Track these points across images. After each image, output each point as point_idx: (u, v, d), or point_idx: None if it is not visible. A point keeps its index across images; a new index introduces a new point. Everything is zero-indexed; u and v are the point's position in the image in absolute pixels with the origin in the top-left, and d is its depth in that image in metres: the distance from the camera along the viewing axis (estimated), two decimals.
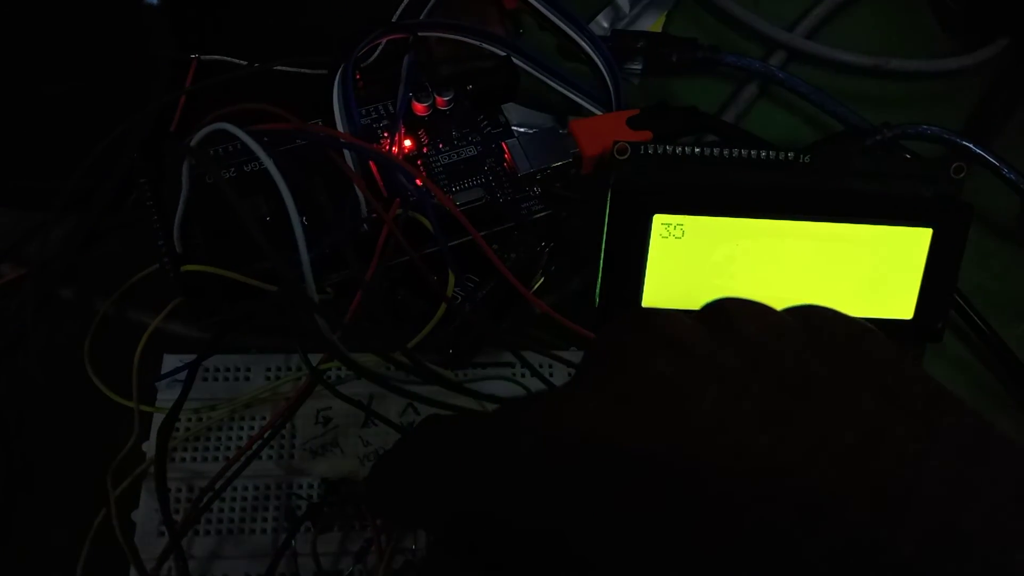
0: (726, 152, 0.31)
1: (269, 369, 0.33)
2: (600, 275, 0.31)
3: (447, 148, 0.34)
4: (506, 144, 0.33)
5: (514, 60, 0.36)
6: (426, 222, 0.30)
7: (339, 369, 0.32)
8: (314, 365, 0.28)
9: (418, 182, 0.30)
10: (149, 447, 0.31)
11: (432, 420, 0.20)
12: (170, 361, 0.33)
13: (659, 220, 0.30)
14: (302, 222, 0.31)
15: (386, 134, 0.34)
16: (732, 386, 0.16)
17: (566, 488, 0.16)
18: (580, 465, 0.16)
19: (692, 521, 0.15)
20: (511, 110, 0.37)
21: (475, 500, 0.17)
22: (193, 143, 0.28)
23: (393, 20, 0.36)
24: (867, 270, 0.31)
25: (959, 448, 0.15)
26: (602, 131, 0.33)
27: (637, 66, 0.40)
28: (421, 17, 0.37)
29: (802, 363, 0.16)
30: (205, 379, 0.32)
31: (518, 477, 0.16)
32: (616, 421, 0.16)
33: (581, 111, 0.37)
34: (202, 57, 0.37)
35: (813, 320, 0.18)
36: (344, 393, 0.28)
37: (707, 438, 0.15)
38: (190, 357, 0.32)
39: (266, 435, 0.29)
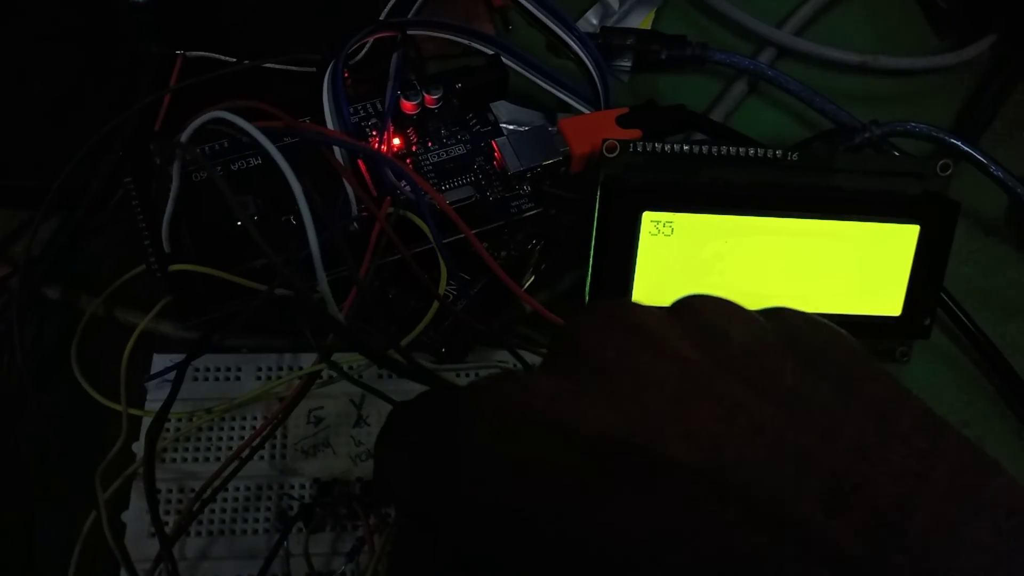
0: (715, 150, 0.31)
1: (260, 369, 0.33)
2: (590, 272, 0.31)
3: (436, 147, 0.34)
4: (496, 142, 0.33)
5: (503, 59, 0.36)
6: (417, 220, 0.30)
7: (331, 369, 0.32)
8: (307, 364, 0.28)
9: (416, 182, 0.30)
10: (139, 448, 0.31)
11: (423, 395, 0.20)
12: (160, 361, 0.32)
13: (648, 217, 0.30)
14: (291, 221, 0.32)
15: (374, 132, 0.34)
16: (694, 378, 0.16)
17: (517, 471, 0.16)
18: (530, 448, 0.16)
19: (642, 508, 0.15)
20: (500, 108, 0.37)
21: (432, 481, 0.17)
22: (185, 136, 0.28)
23: (381, 18, 0.36)
24: (855, 267, 0.32)
25: (913, 448, 0.15)
26: (591, 129, 0.33)
27: (626, 63, 0.40)
28: (410, 15, 0.37)
29: (766, 359, 0.17)
30: (195, 379, 0.32)
31: (470, 460, 0.16)
32: (571, 405, 0.16)
33: (570, 109, 0.36)
34: (188, 54, 0.37)
35: (781, 319, 0.18)
36: (352, 389, 0.28)
37: (663, 426, 0.15)
38: (180, 357, 0.32)
39: (258, 440, 0.29)
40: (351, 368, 0.32)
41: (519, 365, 0.31)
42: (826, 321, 0.18)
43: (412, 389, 0.27)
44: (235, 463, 0.28)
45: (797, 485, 0.15)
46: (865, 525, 0.14)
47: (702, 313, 0.18)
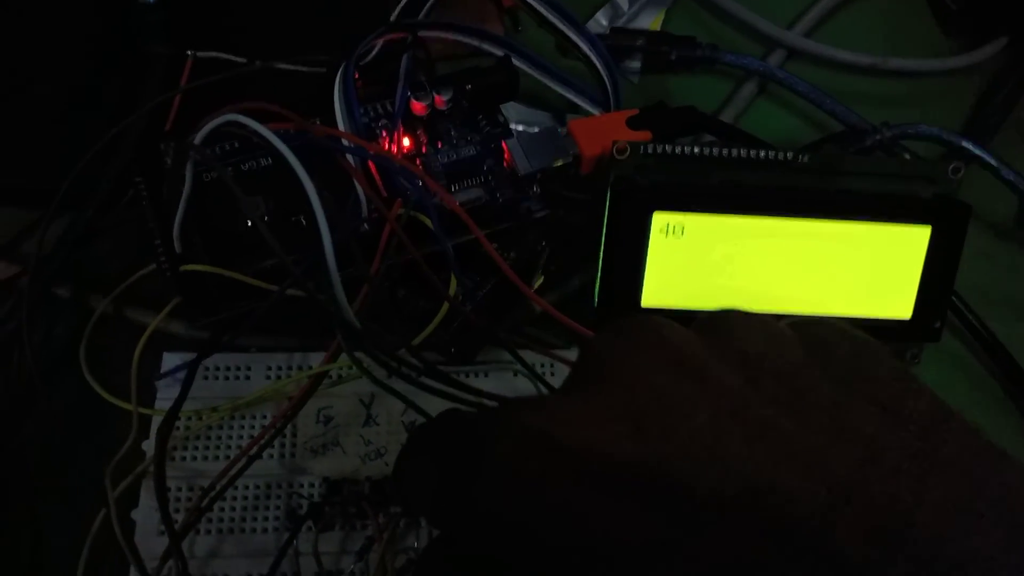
0: (725, 152, 0.31)
1: (270, 368, 0.33)
2: (599, 274, 0.31)
3: (446, 148, 0.34)
4: (505, 144, 0.33)
5: (513, 60, 0.36)
6: (428, 221, 0.30)
7: (341, 368, 0.32)
8: (316, 364, 0.28)
9: (424, 184, 0.30)
10: (149, 446, 0.31)
11: (448, 413, 0.20)
12: (170, 360, 0.33)
13: (659, 218, 0.30)
14: (301, 221, 0.32)
15: (385, 133, 0.34)
16: (726, 401, 0.16)
17: (529, 493, 0.16)
18: (543, 473, 0.16)
19: (675, 536, 0.15)
20: (510, 109, 0.37)
21: (453, 498, 0.17)
22: (199, 138, 0.28)
23: (392, 19, 0.36)
24: (865, 269, 0.32)
25: (958, 473, 0.15)
26: (601, 131, 0.33)
27: (636, 64, 0.40)
28: (420, 16, 0.37)
29: (799, 380, 0.16)
30: (205, 378, 0.32)
31: (488, 481, 0.16)
32: (604, 432, 0.16)
33: (580, 110, 0.36)
34: (198, 54, 0.37)
35: (815, 335, 0.18)
36: (350, 391, 0.28)
37: (697, 452, 0.15)
38: (190, 356, 0.32)
39: (267, 436, 0.29)
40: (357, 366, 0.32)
41: (522, 367, 0.31)
42: (864, 335, 0.18)
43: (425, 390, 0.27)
44: (244, 460, 0.28)
45: (836, 517, 0.14)
46: (911, 563, 0.14)
47: (734, 332, 0.17)
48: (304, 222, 0.31)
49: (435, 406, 0.27)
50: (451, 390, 0.26)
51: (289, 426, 0.32)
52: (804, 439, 0.15)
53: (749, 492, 0.15)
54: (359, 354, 0.27)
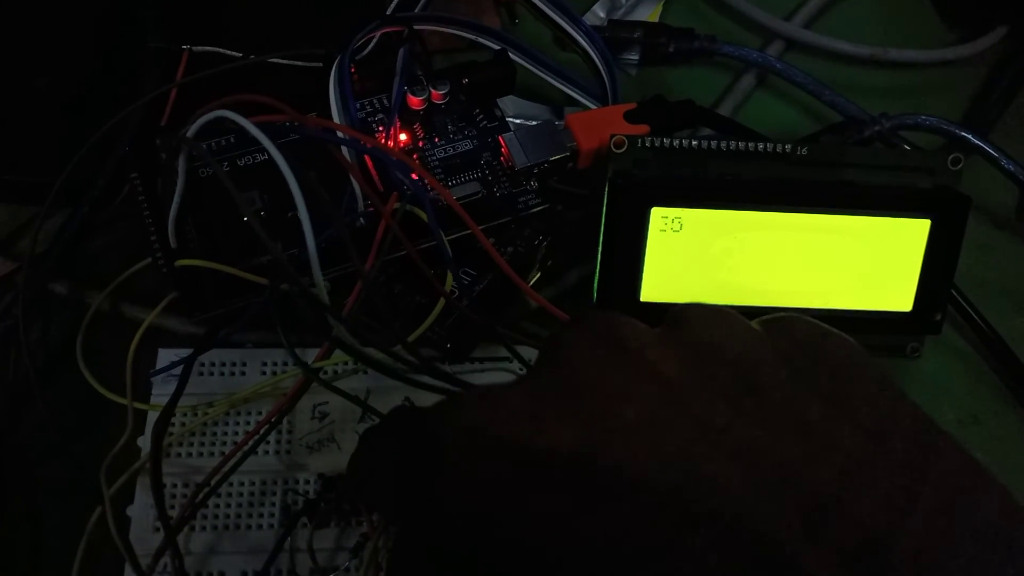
0: (724, 145, 0.31)
1: (265, 364, 0.33)
2: (598, 269, 0.31)
3: (443, 142, 0.34)
4: (502, 138, 0.33)
5: (510, 54, 0.36)
6: (424, 216, 0.30)
7: (336, 364, 0.32)
8: (311, 360, 0.28)
9: (414, 176, 0.30)
10: (144, 443, 0.31)
11: (398, 410, 0.20)
12: (165, 356, 0.32)
13: (657, 213, 0.30)
14: (297, 216, 0.31)
15: (381, 128, 0.33)
16: (667, 393, 0.16)
17: (482, 486, 0.16)
18: (492, 466, 0.16)
19: (602, 526, 0.15)
20: (507, 103, 0.36)
21: (413, 494, 0.17)
22: (190, 133, 0.28)
23: (387, 12, 0.36)
24: (865, 262, 0.31)
25: (902, 466, 0.15)
26: (599, 125, 0.33)
27: (633, 56, 0.40)
28: (416, 9, 0.36)
29: (757, 376, 0.16)
30: (201, 374, 0.32)
31: (445, 476, 0.16)
32: (536, 424, 0.16)
33: (577, 104, 0.36)
34: (194, 48, 0.36)
35: (783, 331, 0.17)
36: (341, 388, 0.28)
37: (633, 446, 0.15)
38: (186, 352, 0.32)
39: (262, 431, 0.29)
40: (345, 365, 0.32)
41: (518, 363, 0.31)
42: (835, 331, 0.17)
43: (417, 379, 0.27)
44: (239, 455, 0.28)
45: (775, 508, 0.14)
46: (839, 551, 0.14)
47: (694, 328, 0.17)
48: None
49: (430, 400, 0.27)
50: (447, 385, 0.26)
51: (284, 422, 0.32)
52: (747, 436, 0.15)
53: (697, 494, 0.14)
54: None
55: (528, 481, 0.15)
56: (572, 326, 0.18)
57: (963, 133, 0.37)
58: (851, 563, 0.14)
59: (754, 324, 0.18)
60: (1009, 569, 0.14)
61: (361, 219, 0.31)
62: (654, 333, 0.18)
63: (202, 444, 0.31)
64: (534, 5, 0.36)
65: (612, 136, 0.30)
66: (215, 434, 0.31)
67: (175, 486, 0.31)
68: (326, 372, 0.32)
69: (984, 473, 0.15)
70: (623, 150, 0.30)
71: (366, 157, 0.31)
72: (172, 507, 0.30)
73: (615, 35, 0.39)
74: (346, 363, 0.32)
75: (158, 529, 0.29)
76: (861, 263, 0.31)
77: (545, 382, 0.17)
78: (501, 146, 0.33)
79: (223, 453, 0.30)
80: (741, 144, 0.31)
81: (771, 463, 0.15)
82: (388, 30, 0.34)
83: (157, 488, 0.27)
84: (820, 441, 0.15)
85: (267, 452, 0.31)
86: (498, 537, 0.15)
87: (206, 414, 0.31)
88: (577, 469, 0.15)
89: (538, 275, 0.34)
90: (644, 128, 0.33)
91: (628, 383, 0.16)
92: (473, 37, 0.36)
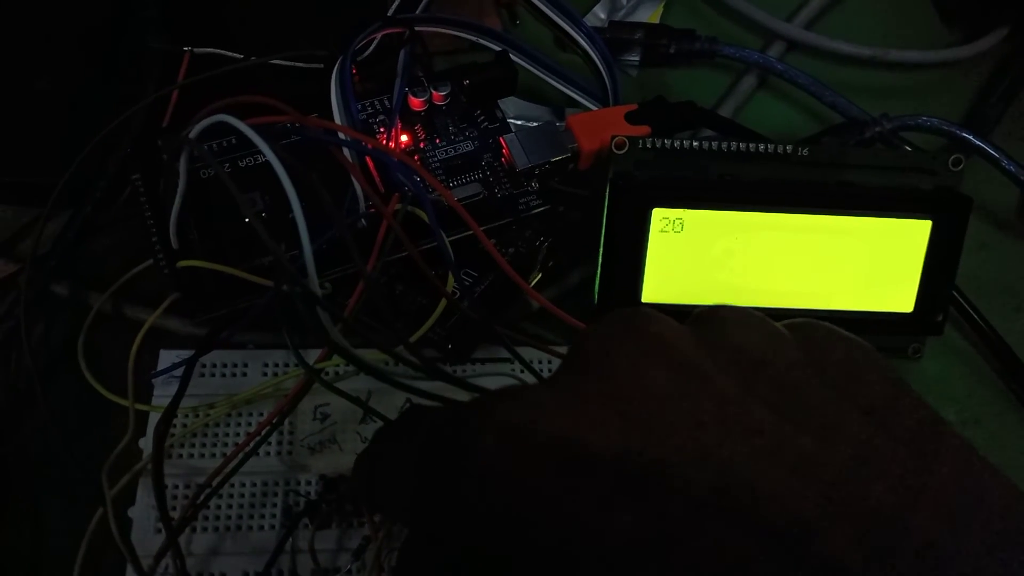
0: (725, 146, 0.31)
1: (267, 365, 0.33)
2: (599, 270, 0.31)
3: (444, 143, 0.34)
4: (504, 139, 0.33)
5: (511, 55, 0.36)
6: (425, 216, 0.30)
7: (338, 365, 0.32)
8: (313, 361, 0.28)
9: (422, 179, 0.30)
10: (146, 443, 0.31)
11: (413, 411, 0.20)
12: (167, 357, 0.32)
13: (658, 214, 0.30)
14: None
15: (382, 129, 0.33)
16: (719, 400, 0.16)
17: (519, 487, 0.16)
18: (530, 465, 0.16)
19: (665, 533, 0.15)
20: (508, 104, 0.36)
21: (442, 502, 0.17)
22: (192, 135, 0.28)
23: (389, 14, 0.36)
24: (867, 263, 0.31)
25: (947, 480, 0.15)
26: (600, 126, 0.33)
27: (634, 57, 0.40)
28: (417, 11, 0.37)
29: (793, 381, 0.16)
30: (202, 375, 0.32)
31: (476, 476, 0.16)
32: (574, 422, 0.16)
33: (578, 105, 0.36)
34: (195, 50, 0.37)
35: (810, 337, 0.17)
36: (342, 389, 0.28)
37: (689, 450, 0.15)
38: (187, 353, 0.32)
39: (263, 432, 0.28)
40: (346, 367, 0.32)
41: (519, 364, 0.31)
42: (853, 336, 0.18)
43: (413, 385, 0.27)
44: (240, 455, 0.28)
45: (826, 518, 0.14)
46: (901, 566, 0.14)
47: (729, 330, 0.17)
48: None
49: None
50: (449, 385, 0.26)
51: (286, 423, 0.31)
52: (798, 442, 0.15)
53: (740, 494, 0.14)
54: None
55: (570, 481, 0.15)
56: (603, 323, 0.18)
57: (964, 134, 0.37)
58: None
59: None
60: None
61: (363, 220, 0.31)
62: (687, 330, 0.17)
63: (203, 445, 0.31)
64: (535, 6, 0.36)
65: (613, 137, 0.30)
66: (216, 435, 0.31)
67: (176, 487, 0.31)
68: (327, 373, 0.32)
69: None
70: (624, 151, 0.30)
71: (367, 158, 0.31)
72: (173, 508, 0.30)
73: (616, 36, 0.39)
74: (347, 364, 0.32)
75: (160, 530, 0.29)
76: (862, 264, 0.31)
77: (583, 381, 0.17)
78: (502, 147, 0.33)
79: (224, 454, 0.30)
80: (742, 145, 0.31)
81: (819, 475, 0.15)
82: (389, 31, 0.34)
83: (159, 489, 0.27)
84: (859, 452, 0.15)
85: (268, 453, 0.31)
86: (534, 538, 0.15)
87: (207, 415, 0.31)
88: (621, 470, 0.15)
89: (539, 276, 0.34)
90: (645, 129, 0.33)
91: (671, 384, 0.16)
92: (474, 38, 0.36)
